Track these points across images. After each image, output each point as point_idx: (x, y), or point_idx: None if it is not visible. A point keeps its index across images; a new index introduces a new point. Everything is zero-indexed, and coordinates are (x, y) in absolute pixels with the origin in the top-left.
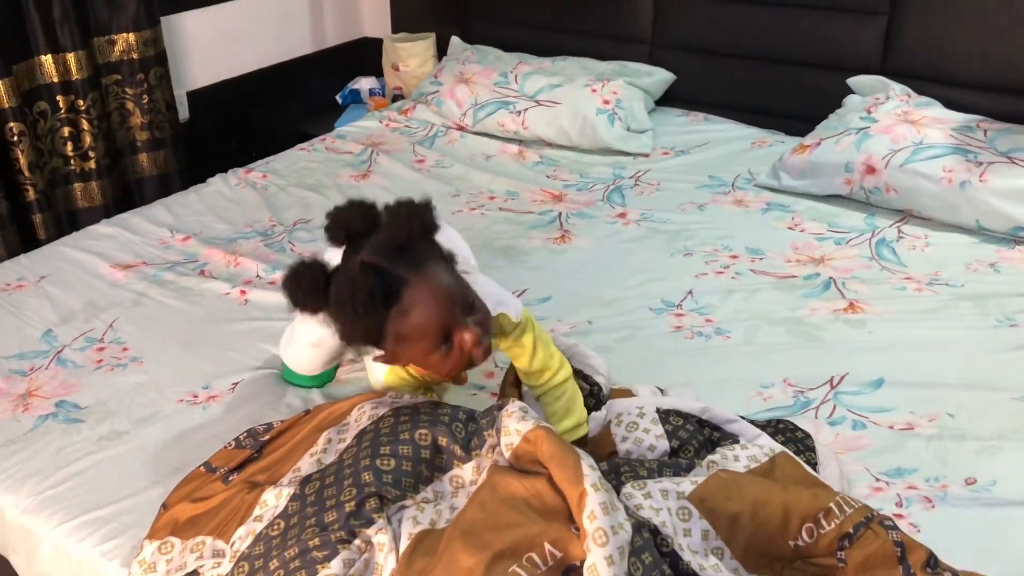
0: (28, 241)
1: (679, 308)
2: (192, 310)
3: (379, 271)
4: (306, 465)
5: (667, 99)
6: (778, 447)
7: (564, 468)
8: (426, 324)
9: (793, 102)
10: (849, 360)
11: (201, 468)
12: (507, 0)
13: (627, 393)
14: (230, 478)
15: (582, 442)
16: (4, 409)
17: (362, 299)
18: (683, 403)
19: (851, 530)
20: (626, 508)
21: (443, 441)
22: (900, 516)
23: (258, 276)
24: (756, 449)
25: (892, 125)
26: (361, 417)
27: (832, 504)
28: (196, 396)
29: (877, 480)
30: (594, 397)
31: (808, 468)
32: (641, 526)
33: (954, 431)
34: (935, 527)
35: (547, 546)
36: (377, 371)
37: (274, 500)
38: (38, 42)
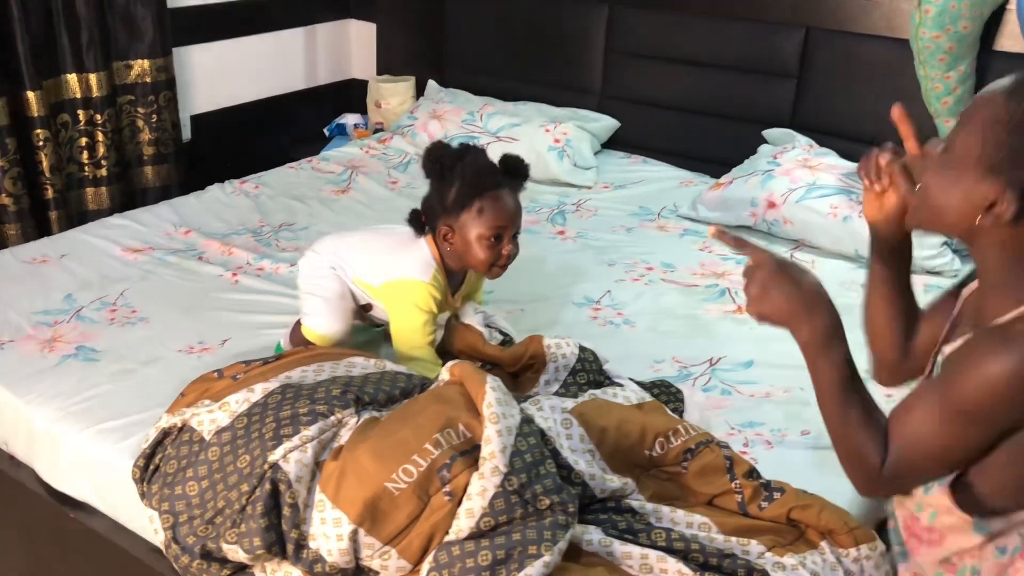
0: (43, 233)
1: (598, 303)
2: (191, 285)
3: (498, 169)
4: (296, 374)
5: (613, 143)
6: (649, 397)
7: (472, 378)
8: (498, 217)
9: (718, 149)
10: (729, 347)
11: (213, 373)
12: (479, 51)
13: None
14: (237, 376)
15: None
16: (33, 349)
17: (484, 171)
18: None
19: (693, 446)
20: (522, 412)
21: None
22: (745, 453)
23: (248, 264)
24: (631, 393)
25: (792, 168)
26: (352, 368)
27: (680, 426)
28: (192, 348)
29: (732, 429)
30: (508, 342)
31: (671, 413)
32: (531, 420)
33: (802, 400)
34: (771, 462)
35: (460, 426)
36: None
37: (267, 384)
38: (66, 62)
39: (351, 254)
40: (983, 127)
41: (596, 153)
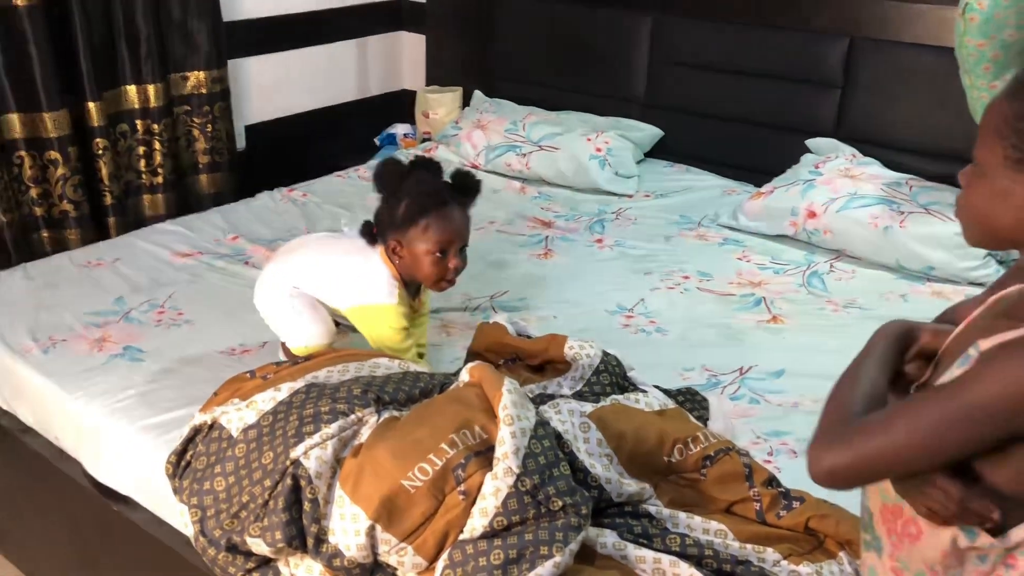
0: (102, 239)
1: (630, 311)
2: (235, 289)
3: (445, 187)
4: (322, 374)
5: (657, 152)
6: (672, 403)
7: (490, 380)
8: (443, 233)
9: (761, 158)
10: (760, 356)
11: (246, 374)
12: (525, 62)
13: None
14: (267, 376)
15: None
16: (83, 348)
17: (429, 191)
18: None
19: (713, 453)
20: (539, 415)
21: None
22: (768, 462)
23: None
24: (654, 399)
25: (833, 178)
26: (376, 368)
27: (700, 433)
28: (233, 349)
29: (757, 438)
30: None
31: (694, 420)
32: (546, 424)
33: None
34: (795, 471)
35: (476, 427)
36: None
37: (293, 384)
38: (125, 74)
39: (311, 277)
40: (996, 131)
41: (639, 162)
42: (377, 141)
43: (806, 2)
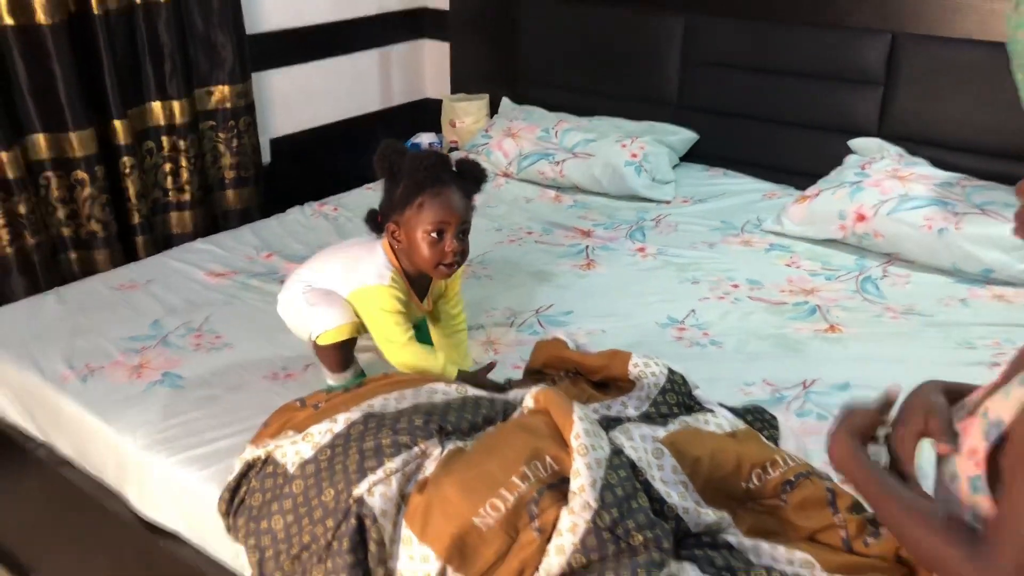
0: (130, 258)
1: (682, 323)
2: (273, 310)
3: (441, 164)
4: (378, 403)
5: (691, 155)
6: (743, 424)
7: (559, 407)
8: (438, 212)
9: (801, 160)
10: (823, 368)
11: (296, 403)
12: (552, 67)
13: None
14: (319, 405)
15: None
16: (121, 376)
17: (426, 167)
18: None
19: (792, 478)
20: (611, 442)
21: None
22: (845, 484)
23: None
24: (723, 420)
25: (882, 180)
26: (433, 395)
27: (778, 456)
28: (276, 374)
29: None
30: None
31: (767, 442)
32: (620, 452)
33: None
34: None
35: (548, 459)
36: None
37: (349, 415)
38: (150, 90)
39: (321, 274)
40: None
41: (674, 166)
42: None
43: None
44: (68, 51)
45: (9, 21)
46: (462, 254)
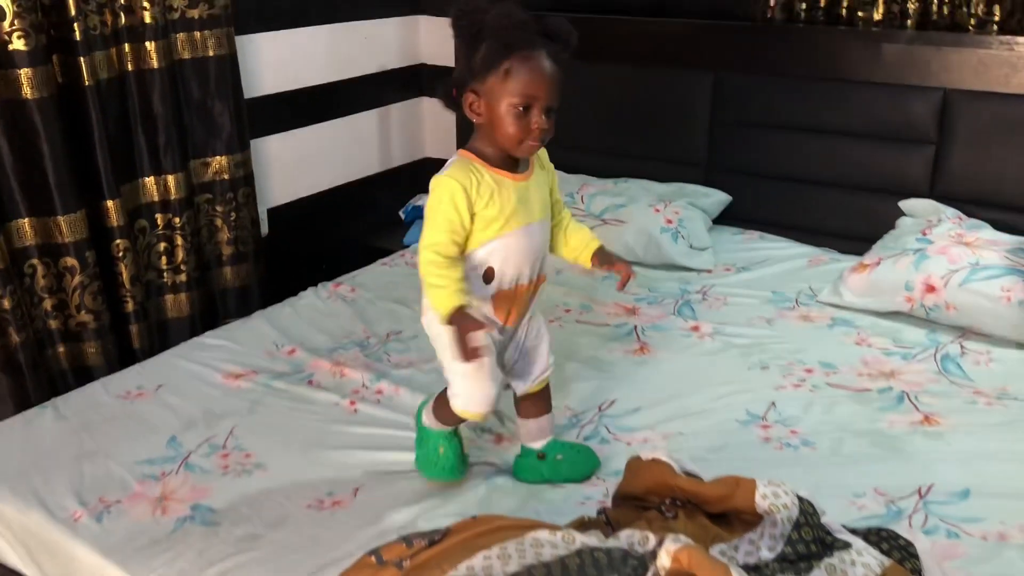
0: (124, 349)
1: (764, 420)
2: (306, 418)
3: (534, 25)
4: (478, 563)
5: (721, 218)
6: (888, 560)
7: (709, 570)
8: (528, 83)
9: (844, 222)
10: (934, 471)
11: (371, 558)
12: (568, 127)
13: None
14: (403, 564)
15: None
16: (144, 511)
17: (514, 24)
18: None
19: None
20: None
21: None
22: None
23: (364, 386)
24: (870, 558)
25: (947, 246)
26: (540, 548)
27: None
28: (322, 502)
29: None
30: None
31: None
32: None
33: None
34: None
35: None
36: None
37: None
38: (143, 165)
39: None
40: None
41: (707, 230)
42: (402, 215)
43: (890, 55)
44: (56, 127)
45: None
46: (542, 133)
